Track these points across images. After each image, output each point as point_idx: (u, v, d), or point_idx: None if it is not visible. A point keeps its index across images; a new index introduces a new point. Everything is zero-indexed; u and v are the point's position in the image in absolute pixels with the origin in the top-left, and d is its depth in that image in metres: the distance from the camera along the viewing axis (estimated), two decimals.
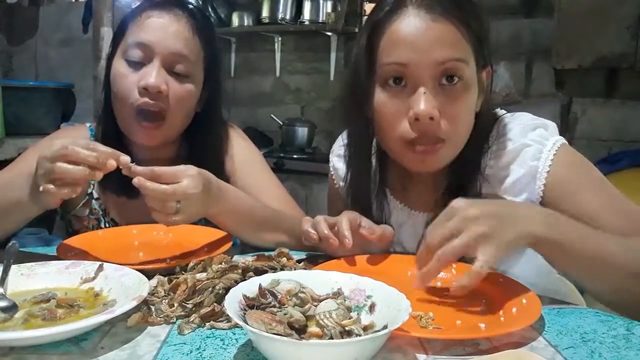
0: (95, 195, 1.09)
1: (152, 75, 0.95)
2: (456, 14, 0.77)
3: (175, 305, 0.67)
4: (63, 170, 0.75)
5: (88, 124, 1.14)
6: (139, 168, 0.80)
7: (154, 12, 1.00)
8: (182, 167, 0.83)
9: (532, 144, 0.84)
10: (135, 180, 0.79)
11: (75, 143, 0.77)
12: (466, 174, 0.86)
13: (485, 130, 0.87)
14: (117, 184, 1.05)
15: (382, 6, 0.81)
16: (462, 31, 0.77)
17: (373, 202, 0.93)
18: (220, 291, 0.67)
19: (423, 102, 0.76)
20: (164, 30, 0.98)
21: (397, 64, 0.78)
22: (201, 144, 1.05)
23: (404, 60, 0.77)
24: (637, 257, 0.71)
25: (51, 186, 0.76)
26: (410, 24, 0.77)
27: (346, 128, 0.94)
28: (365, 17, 3.37)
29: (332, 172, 1.07)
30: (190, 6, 1.06)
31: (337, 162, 1.03)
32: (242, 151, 1.14)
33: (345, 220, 0.81)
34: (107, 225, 1.09)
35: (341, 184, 1.00)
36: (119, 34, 1.03)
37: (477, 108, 0.84)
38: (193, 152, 1.09)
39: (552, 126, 0.88)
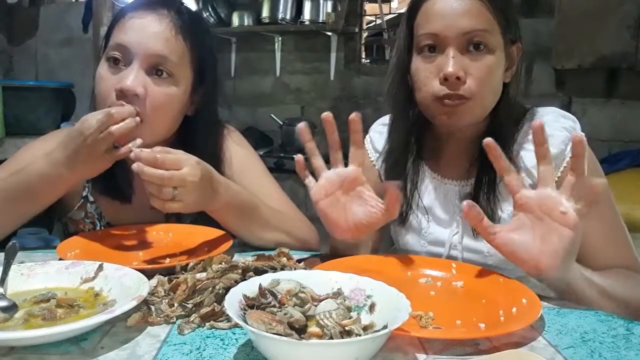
0: (91, 198, 1.08)
1: (129, 78, 0.92)
2: None
3: (175, 305, 0.67)
4: (120, 130, 0.85)
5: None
6: (144, 153, 0.81)
7: (137, 13, 0.97)
8: (183, 155, 0.85)
9: (564, 131, 0.92)
10: (135, 166, 0.80)
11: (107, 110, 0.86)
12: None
13: (514, 103, 0.95)
14: (111, 187, 1.05)
15: None
16: (487, 6, 0.87)
17: (408, 171, 1.01)
18: (220, 291, 0.67)
19: (451, 64, 0.86)
20: (143, 31, 0.95)
21: (430, 34, 0.88)
22: (196, 148, 1.01)
23: (435, 30, 0.88)
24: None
25: (121, 150, 0.86)
26: (441, 0, 0.88)
27: (391, 101, 1.01)
28: (365, 17, 3.39)
29: (367, 147, 1.11)
30: (179, 5, 1.02)
31: (375, 135, 1.09)
32: (239, 154, 1.12)
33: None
34: (103, 228, 1.09)
35: (375, 154, 1.08)
36: (107, 35, 1.02)
37: (507, 79, 0.93)
38: None
39: (577, 121, 0.96)
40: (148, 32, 0.95)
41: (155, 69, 0.95)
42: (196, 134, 1.06)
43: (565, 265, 0.72)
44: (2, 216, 0.92)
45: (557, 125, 0.92)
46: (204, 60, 1.03)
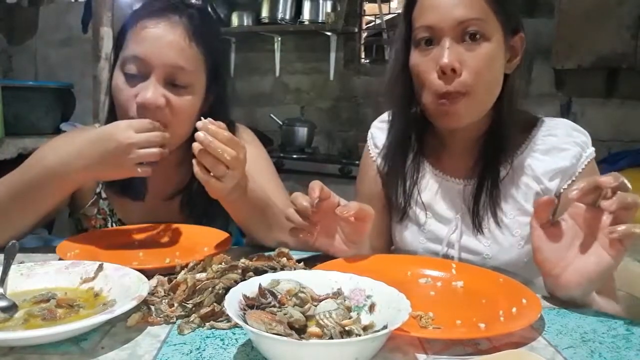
0: (104, 195, 1.09)
1: (149, 90, 0.93)
2: None
3: (175, 305, 0.67)
4: (145, 154, 0.86)
5: (97, 125, 1.14)
6: (213, 126, 0.83)
7: (150, 22, 0.96)
8: (240, 140, 0.87)
9: (576, 146, 0.93)
10: (200, 135, 0.81)
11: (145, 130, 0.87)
12: (499, 146, 0.93)
13: (516, 97, 0.94)
14: (125, 184, 1.05)
15: None
16: None
17: (408, 167, 1.01)
18: (220, 291, 0.67)
19: (446, 55, 0.85)
20: (159, 42, 0.95)
21: (425, 26, 0.88)
22: None
23: (430, 22, 0.87)
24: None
25: (147, 168, 0.88)
26: None
27: (390, 95, 1.02)
28: (365, 17, 3.38)
29: (368, 142, 1.11)
30: (189, 7, 1.02)
31: (375, 132, 1.10)
32: (251, 153, 1.12)
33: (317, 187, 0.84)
34: (114, 225, 1.09)
35: (375, 150, 1.08)
36: (119, 42, 1.01)
37: (509, 70, 0.92)
38: None
39: (588, 135, 0.96)
40: (164, 42, 0.95)
41: (172, 80, 0.96)
42: None
43: (589, 288, 0.72)
44: (11, 214, 0.92)
45: (570, 140, 0.93)
46: (215, 61, 1.03)
